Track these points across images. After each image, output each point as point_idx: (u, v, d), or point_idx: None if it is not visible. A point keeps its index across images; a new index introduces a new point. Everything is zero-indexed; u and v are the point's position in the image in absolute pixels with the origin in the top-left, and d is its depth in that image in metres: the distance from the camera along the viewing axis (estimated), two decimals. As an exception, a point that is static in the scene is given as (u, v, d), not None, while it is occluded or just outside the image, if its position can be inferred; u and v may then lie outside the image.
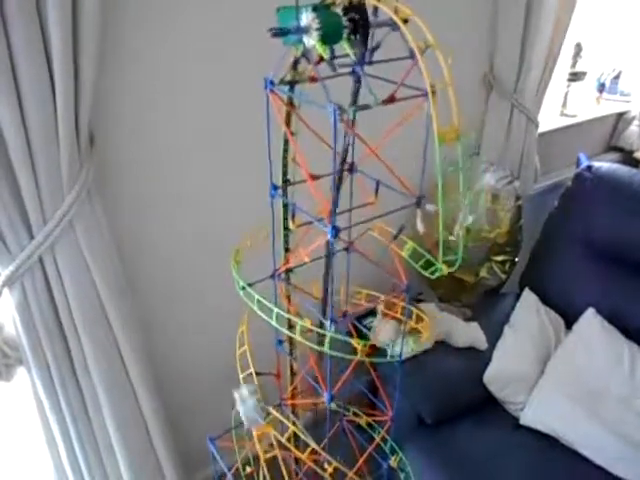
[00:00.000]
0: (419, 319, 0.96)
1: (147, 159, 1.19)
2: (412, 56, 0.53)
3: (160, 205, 1.26)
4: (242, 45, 1.21)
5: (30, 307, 1.03)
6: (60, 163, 0.95)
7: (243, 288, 0.69)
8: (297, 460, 1.08)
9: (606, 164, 1.67)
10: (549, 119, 2.19)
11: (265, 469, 0.77)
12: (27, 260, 0.98)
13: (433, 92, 0.50)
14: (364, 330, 1.06)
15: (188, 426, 1.55)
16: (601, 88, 2.39)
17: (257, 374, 0.78)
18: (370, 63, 0.54)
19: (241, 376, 0.79)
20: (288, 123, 0.67)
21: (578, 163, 1.79)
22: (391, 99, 0.54)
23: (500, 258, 1.79)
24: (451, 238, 1.69)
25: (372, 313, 1.60)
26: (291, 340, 0.92)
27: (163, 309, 1.39)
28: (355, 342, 0.63)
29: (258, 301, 0.66)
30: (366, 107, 0.53)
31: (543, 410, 1.41)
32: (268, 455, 0.79)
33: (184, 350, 1.49)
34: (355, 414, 1.16)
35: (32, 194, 0.95)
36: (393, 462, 1.02)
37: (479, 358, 1.51)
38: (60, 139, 0.93)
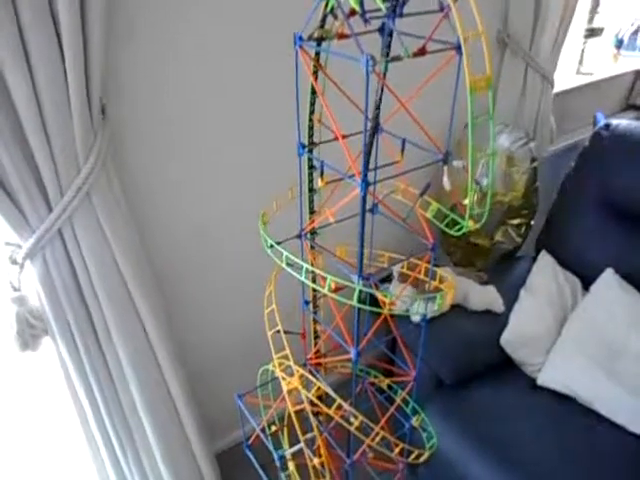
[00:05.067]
0: (440, 280, 0.97)
1: (161, 128, 1.18)
2: (442, 8, 0.53)
3: (177, 174, 1.26)
4: (259, 5, 1.19)
5: (52, 278, 1.04)
6: (74, 134, 0.95)
7: (271, 246, 0.70)
8: (319, 420, 1.11)
9: (624, 121, 1.64)
10: (565, 78, 2.14)
11: (295, 420, 0.79)
12: (47, 232, 0.99)
13: (465, 41, 0.49)
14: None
15: (210, 393, 1.59)
16: (619, 44, 2.32)
17: (285, 332, 0.79)
18: (401, 15, 0.53)
19: (269, 333, 0.81)
20: (316, 80, 0.66)
21: (595, 122, 1.76)
22: (422, 51, 0.53)
23: (515, 221, 1.79)
24: (465, 202, 1.69)
25: (387, 279, 1.62)
26: (315, 302, 0.93)
27: (184, 276, 1.40)
28: (382, 295, 0.63)
29: (286, 259, 0.67)
30: (397, 59, 0.52)
31: (560, 370, 1.42)
32: (297, 408, 0.81)
33: (207, 318, 1.51)
34: (376, 376, 1.17)
35: (48, 167, 0.95)
36: (415, 422, 1.04)
37: (496, 321, 1.52)
38: (72, 110, 0.92)
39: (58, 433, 1.48)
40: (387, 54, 0.56)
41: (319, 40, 0.62)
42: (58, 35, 0.87)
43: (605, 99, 2.32)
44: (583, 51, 2.21)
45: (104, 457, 1.32)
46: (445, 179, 0.67)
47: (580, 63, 2.24)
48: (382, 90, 0.58)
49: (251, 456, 0.99)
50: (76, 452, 1.43)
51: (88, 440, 1.29)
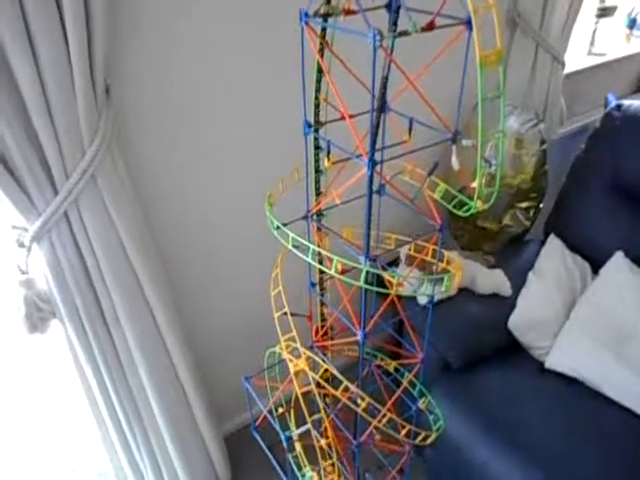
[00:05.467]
0: (448, 262, 0.96)
1: (166, 110, 1.18)
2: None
3: (181, 155, 1.25)
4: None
5: (59, 261, 1.05)
6: (78, 115, 0.95)
7: (277, 227, 0.70)
8: (326, 402, 1.11)
9: (637, 102, 1.61)
10: (576, 58, 2.10)
11: (301, 400, 0.79)
12: (53, 215, 0.99)
13: (475, 13, 0.48)
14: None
15: (218, 376, 1.60)
16: (632, 24, 2.27)
17: (291, 314, 0.79)
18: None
19: (276, 315, 0.81)
20: (322, 58, 0.65)
21: (606, 103, 1.73)
22: (430, 26, 0.52)
23: (524, 205, 1.77)
24: (472, 185, 1.68)
25: (394, 263, 1.61)
26: (322, 285, 0.93)
27: (189, 258, 1.41)
28: (389, 276, 0.63)
29: (292, 240, 0.66)
30: (405, 33, 0.51)
31: (569, 353, 1.42)
32: (303, 390, 0.81)
33: (212, 300, 1.52)
34: (382, 359, 1.18)
35: (53, 148, 0.95)
36: (422, 404, 1.04)
37: (503, 304, 1.51)
38: (76, 90, 0.92)
39: (67, 414, 1.50)
40: (395, 29, 0.54)
41: (325, 16, 0.61)
42: (61, 15, 0.86)
43: (617, 80, 2.27)
44: (595, 31, 2.16)
45: (113, 438, 1.33)
46: (454, 159, 0.66)
47: (592, 43, 2.19)
48: (389, 67, 0.57)
49: (258, 438, 1.00)
50: (86, 433, 1.45)
51: (98, 422, 1.30)
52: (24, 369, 1.40)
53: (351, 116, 0.63)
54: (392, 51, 0.53)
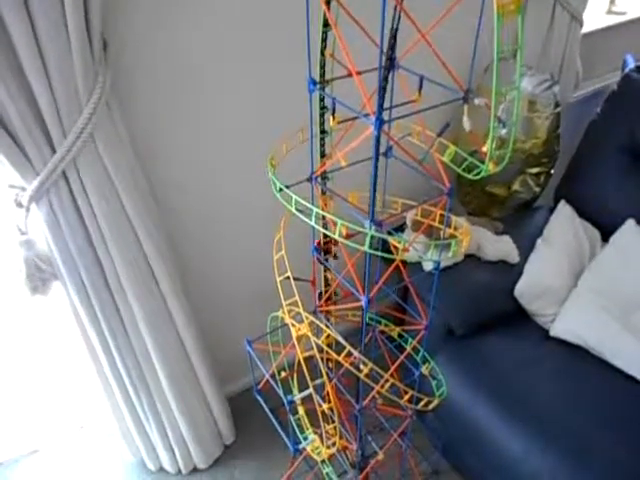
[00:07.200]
0: (455, 228, 0.94)
1: (167, 67, 1.14)
2: None
3: (182, 114, 1.22)
4: None
5: (59, 221, 1.04)
6: (75, 73, 0.91)
7: (280, 190, 0.67)
8: (329, 367, 1.11)
9: (657, 64, 1.55)
10: (594, 17, 2.01)
11: (304, 365, 0.79)
12: (51, 175, 0.97)
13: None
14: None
15: (221, 340, 1.61)
16: (655, -20, 2.16)
17: (294, 279, 0.78)
18: None
19: (278, 279, 0.79)
20: (329, 10, 0.61)
21: (624, 65, 1.67)
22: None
23: (535, 170, 1.72)
24: (483, 149, 1.63)
25: (400, 229, 1.59)
26: (326, 250, 0.91)
27: (193, 221, 1.39)
28: (395, 241, 0.61)
29: (296, 203, 0.64)
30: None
31: (574, 321, 1.40)
32: (306, 354, 0.80)
33: (216, 264, 1.51)
34: (386, 325, 1.17)
35: (50, 107, 0.92)
36: (425, 370, 1.04)
37: (510, 271, 1.49)
38: (72, 47, 0.88)
39: (77, 373, 1.52)
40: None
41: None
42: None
43: (637, 41, 2.18)
44: (616, -12, 2.07)
45: (119, 399, 1.35)
46: (465, 119, 0.63)
47: (612, 2, 2.09)
48: (399, 18, 0.53)
49: (260, 400, 1.00)
50: (93, 392, 1.46)
51: (103, 383, 1.32)
52: (38, 328, 1.41)
53: (358, 73, 0.60)
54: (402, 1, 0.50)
